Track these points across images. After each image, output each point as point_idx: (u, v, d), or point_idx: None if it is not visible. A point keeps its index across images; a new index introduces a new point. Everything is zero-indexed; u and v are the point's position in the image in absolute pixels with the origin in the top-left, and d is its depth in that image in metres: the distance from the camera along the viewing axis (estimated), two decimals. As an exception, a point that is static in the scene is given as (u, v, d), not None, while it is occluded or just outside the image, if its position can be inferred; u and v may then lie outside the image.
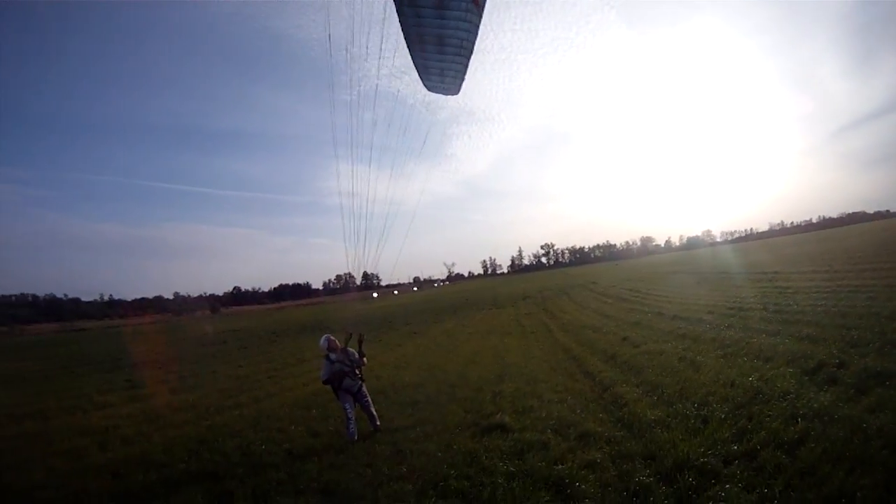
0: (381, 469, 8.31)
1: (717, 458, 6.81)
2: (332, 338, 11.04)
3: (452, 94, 10.41)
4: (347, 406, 10.43)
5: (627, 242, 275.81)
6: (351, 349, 10.89)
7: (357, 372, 10.77)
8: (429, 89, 10.30)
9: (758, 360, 11.97)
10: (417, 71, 9.76)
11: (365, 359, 11.03)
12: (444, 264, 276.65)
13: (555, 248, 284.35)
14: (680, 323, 20.07)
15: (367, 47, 9.60)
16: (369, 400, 10.91)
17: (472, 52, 9.17)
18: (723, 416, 8.47)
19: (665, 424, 8.65)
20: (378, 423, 10.83)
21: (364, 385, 10.90)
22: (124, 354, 37.23)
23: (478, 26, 8.67)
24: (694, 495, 5.94)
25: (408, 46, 9.17)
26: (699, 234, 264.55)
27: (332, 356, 10.70)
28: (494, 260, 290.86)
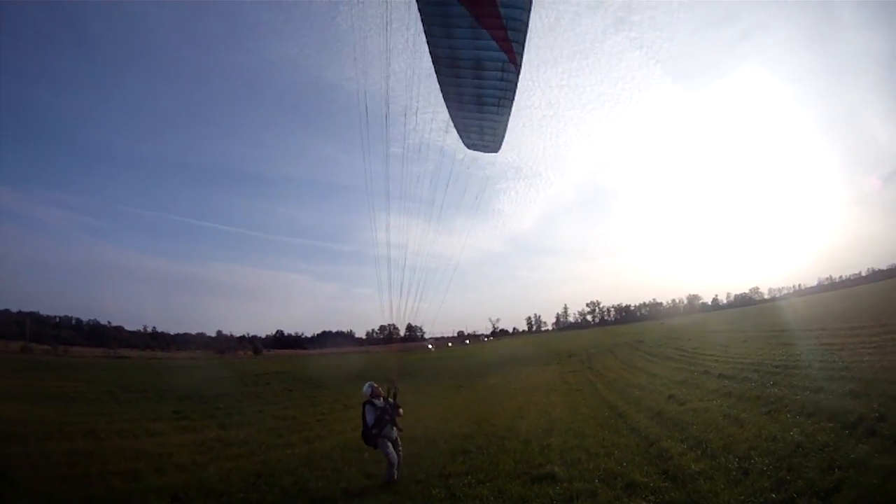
0: (437, 510, 8.73)
1: (756, 505, 7.09)
2: (376, 385, 11.36)
3: (492, 152, 10.69)
4: (389, 450, 10.73)
5: (674, 300, 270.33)
6: (390, 400, 11.24)
7: (396, 421, 11.11)
8: (468, 147, 10.65)
9: (800, 415, 12.07)
10: (457, 129, 10.15)
11: (400, 409, 11.35)
12: (489, 319, 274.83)
13: (600, 305, 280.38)
14: (726, 381, 20.01)
15: (417, 101, 10.04)
16: (401, 451, 11.21)
17: (510, 110, 9.41)
18: (763, 468, 8.72)
19: (708, 476, 8.91)
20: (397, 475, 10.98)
21: (400, 434, 11.28)
22: (169, 386, 37.62)
23: (515, 84, 8.91)
24: (733, 538, 6.24)
25: (446, 105, 9.58)
26: (747, 291, 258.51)
27: (377, 402, 11.02)
28: (539, 317, 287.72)
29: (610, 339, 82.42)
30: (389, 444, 10.82)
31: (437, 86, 9.29)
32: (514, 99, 9.20)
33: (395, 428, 11.08)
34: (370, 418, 10.83)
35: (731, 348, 33.97)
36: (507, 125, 9.86)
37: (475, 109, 9.41)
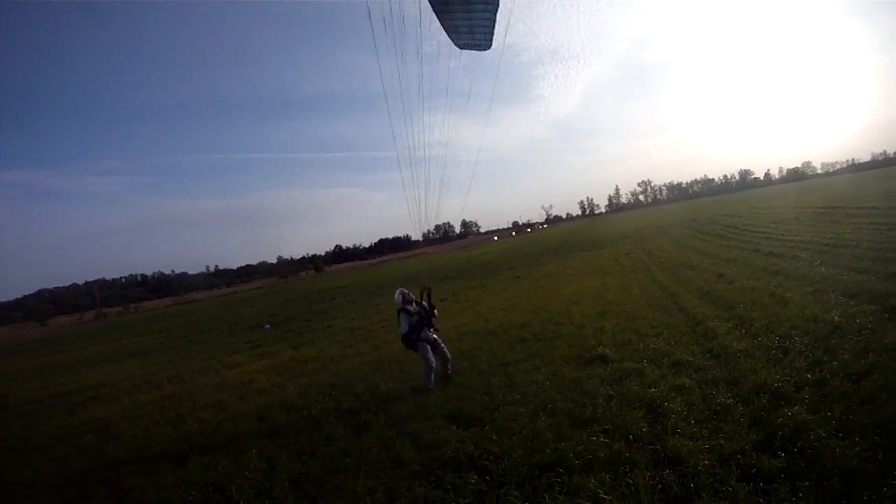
0: (497, 396, 9.45)
1: (790, 384, 7.56)
2: (407, 291, 11.55)
3: (484, 49, 10.51)
4: (428, 355, 11.02)
5: (726, 176, 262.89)
6: (423, 302, 11.49)
7: (432, 322, 11.40)
8: (460, 47, 10.43)
9: (843, 296, 12.32)
10: (447, 32, 10.04)
11: (435, 310, 11.59)
12: (542, 207, 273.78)
13: (652, 184, 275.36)
14: (774, 259, 20.19)
15: None
16: (445, 348, 11.50)
17: (497, 6, 9.30)
18: (801, 349, 9.10)
19: (749, 355, 9.35)
20: (451, 370, 11.47)
21: (439, 334, 11.57)
22: (239, 319, 39.28)
23: None
24: (766, 415, 6.76)
25: (434, 9, 9.50)
26: (799, 165, 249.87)
27: (410, 308, 11.25)
28: (592, 200, 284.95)
29: (662, 219, 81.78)
30: (428, 347, 11.12)
31: None
32: None
33: (432, 329, 11.38)
34: (404, 326, 11.11)
35: (781, 225, 33.67)
36: (495, 21, 9.76)
37: (463, 10, 9.40)
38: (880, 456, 5.36)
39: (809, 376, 7.77)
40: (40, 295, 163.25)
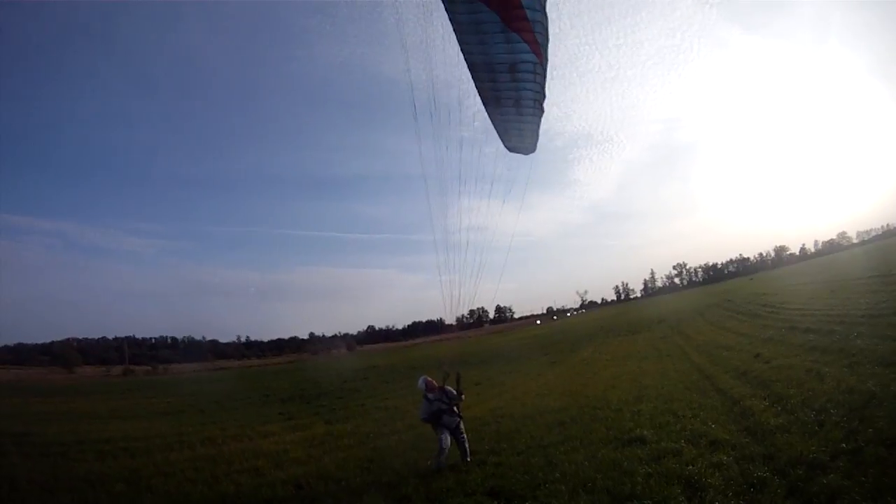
0: (537, 475, 9.52)
1: (825, 454, 7.60)
2: (430, 379, 11.75)
3: (530, 153, 10.92)
4: (443, 438, 11.04)
5: (761, 254, 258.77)
6: (449, 388, 11.50)
7: (455, 409, 11.40)
8: (509, 150, 10.78)
9: (879, 366, 12.26)
10: (497, 132, 10.41)
11: (463, 395, 11.68)
12: (577, 292, 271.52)
13: (687, 267, 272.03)
14: (811, 336, 19.95)
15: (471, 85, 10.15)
16: (465, 437, 11.52)
17: (543, 110, 9.65)
18: (837, 420, 9.11)
19: (786, 430, 9.36)
20: (469, 457, 11.35)
21: (462, 422, 11.56)
22: (270, 391, 39.05)
23: (544, 82, 9.12)
24: (802, 484, 6.81)
25: (485, 108, 9.80)
26: (835, 236, 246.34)
27: (430, 396, 11.37)
28: (627, 284, 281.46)
29: (698, 301, 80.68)
30: (446, 433, 11.16)
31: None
32: (544, 100, 9.48)
33: (458, 417, 11.42)
34: (422, 413, 11.34)
35: (817, 300, 33.17)
36: (540, 126, 10.10)
37: (514, 112, 9.66)
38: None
39: (845, 445, 7.80)
40: (69, 343, 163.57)
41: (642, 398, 15.64)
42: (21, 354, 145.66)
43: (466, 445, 11.48)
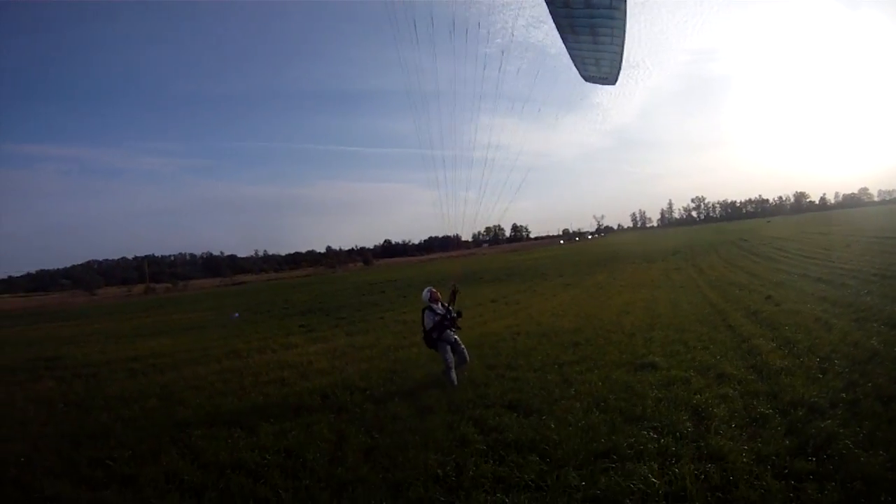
0: (553, 391, 10.19)
1: (825, 401, 8.12)
2: (434, 290, 11.94)
3: (610, 84, 10.54)
4: (447, 355, 11.32)
5: (780, 198, 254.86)
6: (451, 308, 11.76)
7: (455, 324, 11.64)
8: (585, 79, 10.49)
9: (885, 325, 12.65)
10: (573, 61, 9.98)
11: (461, 312, 11.96)
12: (594, 217, 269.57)
13: (706, 201, 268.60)
14: (822, 286, 20.36)
15: None
16: (465, 350, 11.79)
17: (623, 39, 9.16)
18: (840, 370, 9.61)
19: (790, 372, 9.87)
20: (466, 361, 11.75)
21: (460, 335, 11.85)
22: (290, 304, 39.98)
23: (625, 12, 8.57)
24: (801, 425, 7.37)
25: (561, 37, 9.43)
26: (856, 191, 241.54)
27: (436, 307, 11.57)
28: (644, 213, 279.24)
29: (714, 237, 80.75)
30: (448, 348, 11.41)
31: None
32: (625, 28, 8.94)
33: (454, 330, 11.64)
34: (428, 323, 11.44)
35: (833, 252, 33.31)
36: (622, 55, 9.65)
37: (590, 40, 9.32)
38: (900, 467, 6.00)
39: (844, 395, 8.32)
40: (89, 266, 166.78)
41: (654, 326, 16.22)
42: (43, 281, 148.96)
43: (466, 354, 11.79)
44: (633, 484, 6.18)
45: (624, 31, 9.12)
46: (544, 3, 8.81)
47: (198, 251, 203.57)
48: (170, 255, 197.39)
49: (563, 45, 9.90)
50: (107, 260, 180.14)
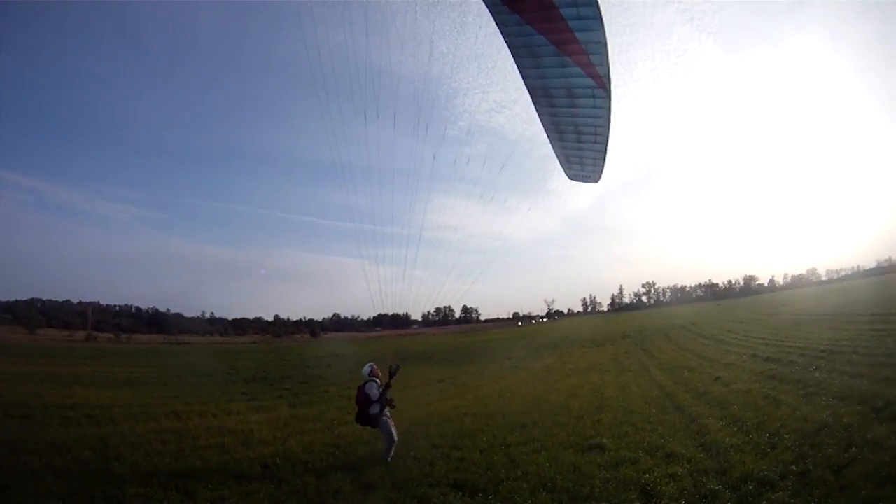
0: (499, 472, 9.89)
1: (775, 474, 8.03)
2: (375, 366, 11.86)
3: (593, 182, 10.67)
4: (392, 430, 11.34)
5: (730, 281, 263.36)
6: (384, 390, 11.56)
7: (391, 403, 11.60)
8: (571, 178, 10.57)
9: (834, 399, 12.70)
10: (559, 160, 10.26)
11: (390, 385, 11.69)
12: (545, 300, 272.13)
13: (656, 286, 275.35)
14: (771, 365, 20.52)
15: (465, 82, 9.89)
16: (394, 431, 11.56)
17: (608, 138, 9.26)
18: (789, 444, 9.56)
19: (739, 448, 9.81)
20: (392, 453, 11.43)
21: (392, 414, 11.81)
22: (234, 369, 38.88)
23: (609, 110, 8.69)
24: (751, 499, 7.21)
25: (548, 136, 9.67)
26: (804, 272, 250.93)
27: (377, 382, 11.52)
28: (594, 298, 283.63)
29: (664, 321, 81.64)
30: (391, 422, 11.42)
31: (488, 66, 9.27)
32: (609, 126, 9.03)
33: (389, 410, 11.58)
34: (375, 392, 11.21)
35: (781, 332, 33.97)
36: (606, 154, 9.75)
37: (574, 140, 9.56)
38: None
39: (794, 467, 8.25)
40: (32, 303, 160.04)
41: (603, 408, 16.04)
42: None
43: (395, 439, 11.49)
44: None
45: (608, 131, 9.29)
46: (507, 89, 9.03)
47: (144, 305, 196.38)
48: (115, 305, 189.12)
49: (522, 131, 10.07)
50: (50, 300, 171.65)
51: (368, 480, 9.78)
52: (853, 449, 8.60)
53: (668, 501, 7.53)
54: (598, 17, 7.52)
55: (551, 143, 9.92)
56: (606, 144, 9.55)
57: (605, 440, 11.69)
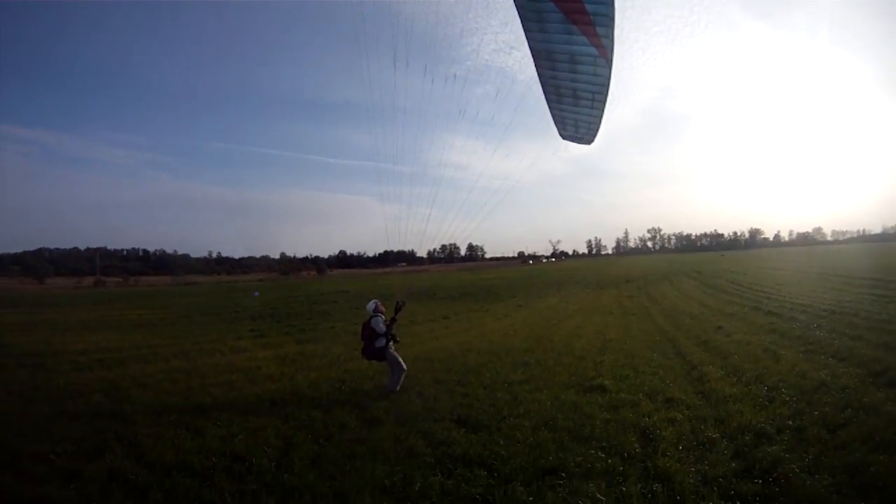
0: (502, 409, 10.15)
1: (772, 427, 8.27)
2: (380, 302, 12.17)
3: (586, 144, 10.88)
4: (401, 360, 11.82)
5: (735, 233, 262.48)
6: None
7: (395, 338, 11.95)
8: (563, 138, 10.65)
9: (833, 359, 12.98)
10: (553, 120, 10.35)
11: (395, 322, 12.10)
12: (550, 241, 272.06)
13: (661, 232, 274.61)
14: (773, 319, 20.80)
15: (475, 21, 9.83)
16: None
17: (604, 104, 9.47)
18: (787, 399, 9.82)
19: (738, 399, 10.04)
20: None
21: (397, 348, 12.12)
22: (241, 307, 39.25)
23: (608, 79, 8.89)
24: (748, 449, 7.47)
25: (545, 97, 9.85)
26: (810, 230, 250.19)
27: (382, 317, 11.88)
28: (600, 240, 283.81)
29: (668, 267, 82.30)
30: (398, 354, 11.83)
31: (499, 6, 9.27)
32: (607, 94, 9.21)
33: (394, 344, 11.93)
34: (382, 326, 11.62)
35: (784, 287, 34.19)
36: (601, 119, 9.92)
37: (571, 103, 9.61)
38: (845, 491, 6.09)
39: (791, 423, 8.49)
40: (40, 253, 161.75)
41: (605, 350, 16.34)
42: None
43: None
44: (581, 501, 6.16)
45: (605, 98, 9.37)
46: (516, 29, 8.88)
47: (151, 247, 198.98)
48: (122, 250, 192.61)
49: (531, 73, 9.92)
50: (58, 249, 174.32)
51: (373, 415, 9.99)
52: (849, 410, 8.84)
53: (666, 445, 7.77)
54: None
55: (548, 103, 9.99)
56: (602, 111, 9.67)
57: (606, 381, 11.97)
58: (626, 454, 7.51)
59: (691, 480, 6.53)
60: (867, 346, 14.09)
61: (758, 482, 6.43)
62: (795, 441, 7.69)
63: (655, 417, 9.19)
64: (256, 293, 26.18)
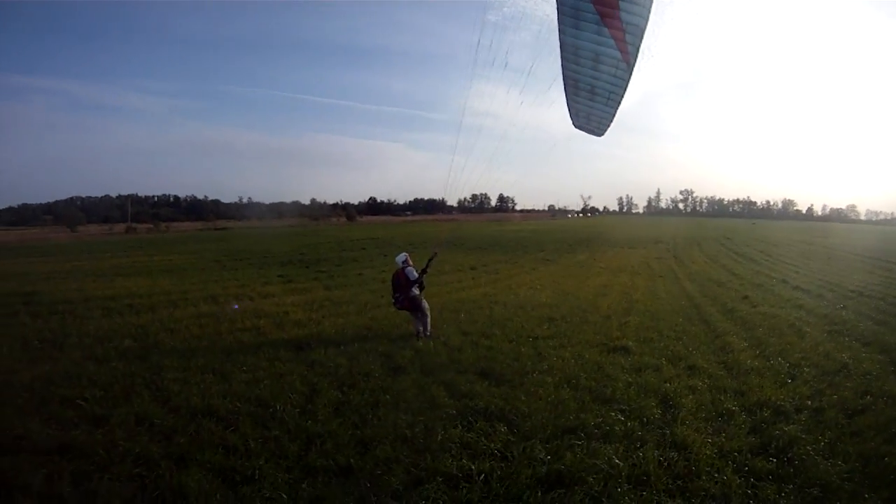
0: (525, 364, 10.32)
1: (791, 406, 8.29)
2: (408, 256, 12.71)
3: (596, 136, 10.99)
4: (426, 306, 12.32)
5: (768, 202, 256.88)
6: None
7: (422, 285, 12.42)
8: (575, 126, 10.75)
9: (857, 341, 12.88)
10: (568, 109, 10.43)
11: (425, 274, 12.57)
12: (581, 195, 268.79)
13: (694, 195, 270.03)
14: (800, 294, 20.65)
15: None
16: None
17: (618, 105, 9.63)
18: (808, 378, 9.80)
19: (759, 373, 10.07)
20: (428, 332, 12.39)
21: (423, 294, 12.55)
22: (270, 253, 39.52)
23: (626, 82, 9.08)
24: (765, 425, 7.51)
25: (564, 87, 9.88)
26: (843, 207, 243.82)
27: (410, 269, 12.33)
28: (631, 198, 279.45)
29: (698, 231, 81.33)
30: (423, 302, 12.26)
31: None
32: (623, 95, 9.42)
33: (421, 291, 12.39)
34: (414, 273, 12.12)
35: (814, 263, 33.79)
36: (613, 118, 10.09)
37: (587, 98, 9.68)
38: (857, 479, 6.14)
39: (810, 402, 8.49)
40: (72, 202, 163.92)
41: (631, 311, 16.42)
42: (24, 215, 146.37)
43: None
44: (598, 463, 6.27)
45: (620, 99, 9.49)
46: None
47: (182, 193, 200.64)
48: (153, 196, 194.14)
49: None
50: (90, 197, 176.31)
51: (398, 364, 10.16)
52: (868, 397, 8.82)
53: (685, 413, 7.84)
54: (648, 7, 8.08)
55: (566, 92, 9.97)
56: (616, 110, 9.77)
57: (630, 343, 12.07)
58: (645, 419, 7.62)
59: (708, 452, 6.61)
60: (892, 332, 13.92)
61: (772, 460, 6.48)
62: (813, 423, 7.70)
63: (677, 384, 9.27)
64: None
